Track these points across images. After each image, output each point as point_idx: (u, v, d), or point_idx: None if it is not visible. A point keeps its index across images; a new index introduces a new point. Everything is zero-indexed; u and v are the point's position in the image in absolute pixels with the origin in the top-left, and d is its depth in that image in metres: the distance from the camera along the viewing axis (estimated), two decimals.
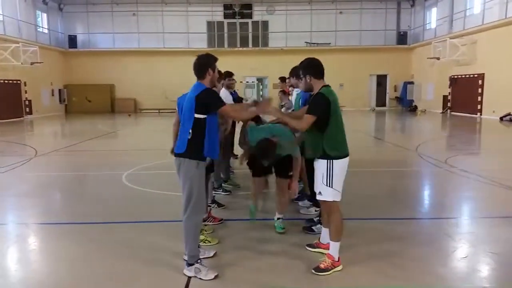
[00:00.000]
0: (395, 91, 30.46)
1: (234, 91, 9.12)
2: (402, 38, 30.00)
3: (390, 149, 11.85)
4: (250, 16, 29.93)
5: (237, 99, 9.05)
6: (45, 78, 25.97)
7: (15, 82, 22.96)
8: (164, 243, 4.38)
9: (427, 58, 24.77)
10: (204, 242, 4.23)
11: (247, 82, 28.87)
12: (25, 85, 23.82)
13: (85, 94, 28.89)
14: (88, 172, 8.84)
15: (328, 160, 3.60)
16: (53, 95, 27.68)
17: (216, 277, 3.52)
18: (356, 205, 5.72)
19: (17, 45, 22.03)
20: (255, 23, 29.96)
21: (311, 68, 3.77)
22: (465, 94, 22.53)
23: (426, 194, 7.03)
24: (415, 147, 11.12)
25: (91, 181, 8.13)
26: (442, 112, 24.88)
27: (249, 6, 29.77)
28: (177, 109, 4.19)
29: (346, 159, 3.68)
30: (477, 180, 7.34)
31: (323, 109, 3.56)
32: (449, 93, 24.47)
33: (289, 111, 5.97)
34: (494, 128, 17.01)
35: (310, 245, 4.15)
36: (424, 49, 26.62)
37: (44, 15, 27.80)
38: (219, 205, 5.51)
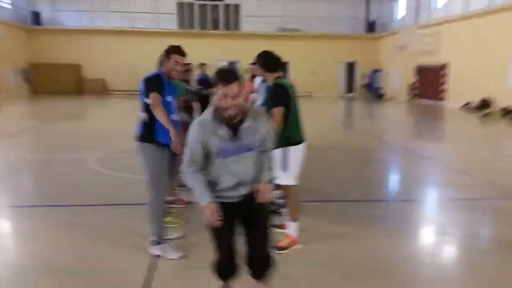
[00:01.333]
0: (364, 78, 31.14)
1: (206, 75, 9.17)
2: (371, 27, 30.60)
3: (354, 134, 12.29)
4: None
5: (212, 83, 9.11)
6: (8, 57, 24.96)
7: None
8: (133, 225, 4.52)
9: (394, 47, 25.44)
10: (169, 223, 4.41)
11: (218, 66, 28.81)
12: None
13: (51, 73, 27.97)
14: (56, 155, 8.76)
15: (284, 148, 3.84)
16: (17, 74, 26.69)
17: (182, 256, 3.72)
18: (318, 189, 6.04)
19: None
20: (227, 6, 29.74)
21: (263, 61, 3.99)
22: (430, 82, 23.37)
23: (382, 178, 7.44)
24: (377, 133, 11.60)
25: (60, 164, 8.07)
26: (408, 100, 25.72)
27: None
28: None
29: (301, 146, 3.95)
30: (428, 163, 7.82)
31: (284, 97, 3.82)
32: (416, 81, 25.28)
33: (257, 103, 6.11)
34: (454, 116, 17.83)
35: (276, 226, 4.39)
36: (392, 38, 27.26)
37: None
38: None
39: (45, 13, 28.44)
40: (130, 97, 26.43)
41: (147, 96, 3.66)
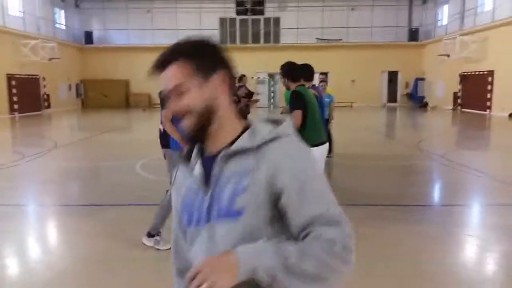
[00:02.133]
0: (406, 87, 30.58)
1: (244, 86, 9.71)
2: (413, 35, 30.11)
3: (394, 144, 12.20)
4: (262, 12, 30.32)
5: (248, 94, 9.71)
6: (62, 73, 26.80)
7: (34, 77, 23.81)
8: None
9: (437, 55, 24.92)
10: None
11: (259, 78, 29.32)
12: (43, 80, 24.68)
13: (101, 89, 29.65)
14: (104, 163, 9.39)
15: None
16: (70, 89, 28.54)
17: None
18: (351, 193, 6.18)
19: (36, 41, 22.85)
20: (267, 20, 30.37)
21: (285, 71, 4.32)
22: (475, 91, 22.64)
23: (416, 185, 7.40)
24: (418, 142, 11.47)
25: (107, 171, 8.68)
26: (452, 109, 24.99)
27: (261, 3, 30.17)
28: None
29: (324, 146, 4.22)
30: (468, 172, 7.70)
31: (301, 102, 4.14)
32: (459, 90, 24.57)
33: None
34: (500, 125, 17.17)
35: None
36: (435, 46, 26.72)
37: (62, 11, 28.63)
38: None
39: (97, 32, 30.27)
40: None
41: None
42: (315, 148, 4.14)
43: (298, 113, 4.09)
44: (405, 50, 29.77)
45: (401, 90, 30.77)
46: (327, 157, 6.94)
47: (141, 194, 6.24)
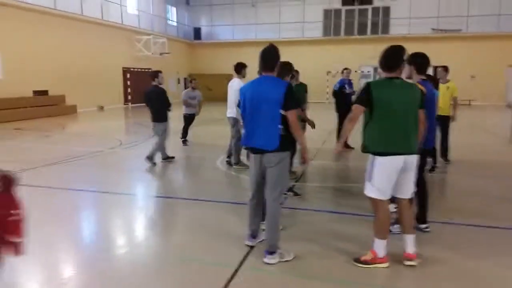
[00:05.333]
0: None
1: (349, 80, 9.34)
2: None
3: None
4: (370, 2, 28.56)
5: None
6: (172, 68, 28.37)
7: (146, 70, 25.50)
8: (240, 222, 4.48)
9: None
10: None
11: (363, 72, 27.72)
12: None
13: (206, 83, 30.78)
14: (193, 154, 9.42)
15: (372, 155, 3.42)
16: (179, 83, 30.15)
17: (295, 257, 3.64)
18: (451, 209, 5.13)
19: (149, 37, 24.43)
20: (376, 9, 28.52)
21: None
22: None
23: None
24: None
25: (192, 162, 8.69)
26: None
27: None
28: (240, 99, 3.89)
29: (393, 158, 3.34)
30: None
31: (361, 97, 3.40)
32: None
33: None
34: None
35: (357, 260, 3.60)
36: None
37: (174, 9, 30.29)
38: (296, 194, 5.40)
39: (204, 29, 31.50)
40: None
41: (284, 108, 3.50)
42: (381, 157, 3.34)
43: (355, 108, 3.38)
44: None
45: None
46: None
47: (217, 190, 6.08)
